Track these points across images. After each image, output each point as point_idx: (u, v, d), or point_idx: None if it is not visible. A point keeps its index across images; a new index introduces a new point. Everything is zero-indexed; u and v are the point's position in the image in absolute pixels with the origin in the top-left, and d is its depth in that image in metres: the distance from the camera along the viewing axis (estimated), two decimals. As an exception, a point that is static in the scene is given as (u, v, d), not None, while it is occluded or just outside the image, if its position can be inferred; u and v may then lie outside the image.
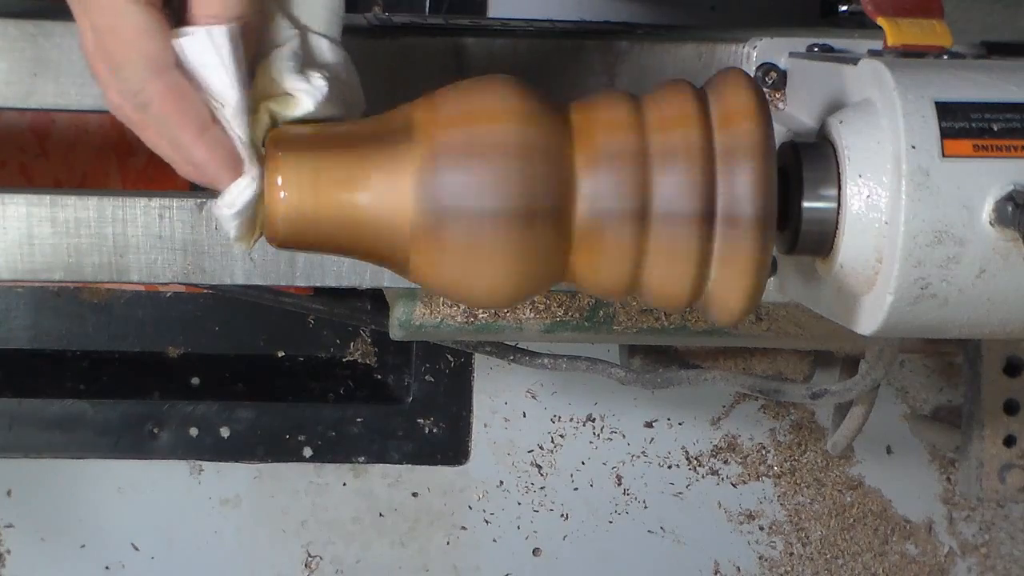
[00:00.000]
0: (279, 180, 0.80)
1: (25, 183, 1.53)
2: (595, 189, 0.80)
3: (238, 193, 0.81)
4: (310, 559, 1.74)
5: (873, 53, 0.91)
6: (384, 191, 0.80)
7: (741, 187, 0.79)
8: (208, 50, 0.78)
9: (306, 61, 0.83)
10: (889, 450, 1.81)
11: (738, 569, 1.80)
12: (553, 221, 0.80)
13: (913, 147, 0.80)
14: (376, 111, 0.84)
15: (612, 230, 0.80)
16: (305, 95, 0.82)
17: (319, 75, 0.82)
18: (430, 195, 0.80)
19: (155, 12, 0.77)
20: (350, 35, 1.03)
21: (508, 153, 0.79)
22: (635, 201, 0.80)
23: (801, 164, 0.85)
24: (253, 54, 0.81)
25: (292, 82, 0.82)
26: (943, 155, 0.80)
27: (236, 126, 0.80)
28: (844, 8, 1.26)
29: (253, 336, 1.65)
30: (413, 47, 1.04)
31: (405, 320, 1.16)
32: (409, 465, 1.66)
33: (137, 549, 1.70)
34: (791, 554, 1.80)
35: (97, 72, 0.80)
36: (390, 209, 0.80)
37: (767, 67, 1.04)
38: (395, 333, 1.17)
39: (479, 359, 1.65)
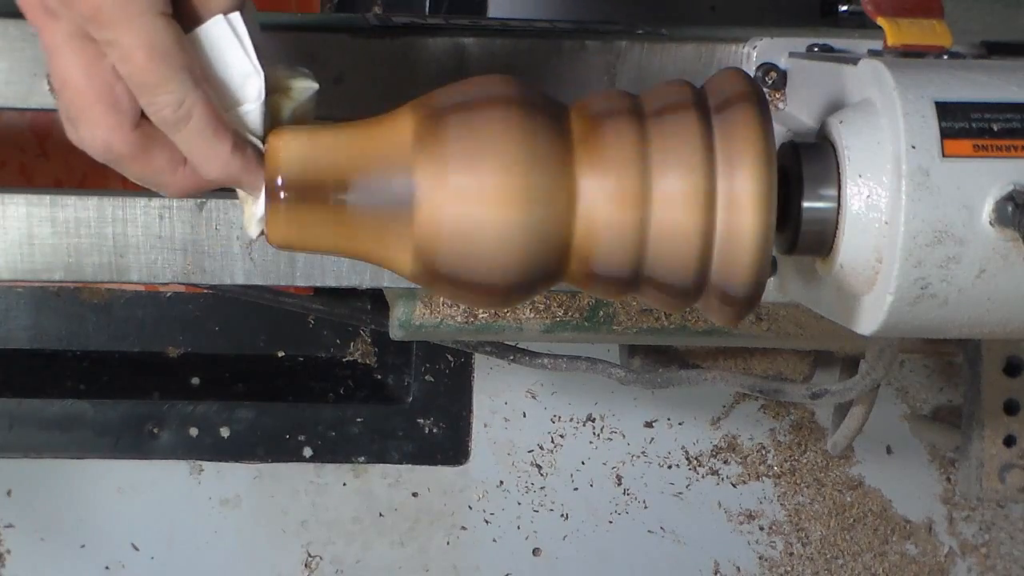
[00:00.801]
0: (279, 180, 0.80)
1: (25, 183, 1.53)
2: (595, 179, 0.80)
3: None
4: (310, 559, 1.74)
5: (873, 53, 0.91)
6: (384, 179, 0.80)
7: (740, 172, 0.80)
8: (226, 35, 0.78)
9: None
10: (889, 450, 1.81)
11: (738, 569, 1.80)
12: (552, 282, 0.82)
13: (913, 147, 0.80)
14: (376, 111, 0.83)
15: (612, 219, 0.81)
16: (301, 85, 0.82)
17: (302, 67, 0.83)
18: (429, 170, 0.80)
19: (177, 24, 0.77)
20: (350, 35, 1.04)
21: (506, 238, 0.80)
22: (630, 272, 0.82)
23: (801, 164, 0.85)
24: None
25: (284, 74, 0.82)
26: (943, 155, 0.80)
27: (252, 120, 0.80)
28: (844, 8, 1.26)
29: (253, 336, 1.65)
30: (413, 47, 1.04)
31: (405, 320, 1.16)
32: (409, 465, 1.66)
33: (137, 549, 1.70)
34: (791, 554, 1.80)
35: (89, 108, 0.78)
36: (391, 196, 0.80)
37: (767, 67, 1.04)
38: (395, 333, 1.17)
39: (479, 359, 1.65)
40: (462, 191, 0.79)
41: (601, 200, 0.80)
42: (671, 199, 0.80)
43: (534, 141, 0.80)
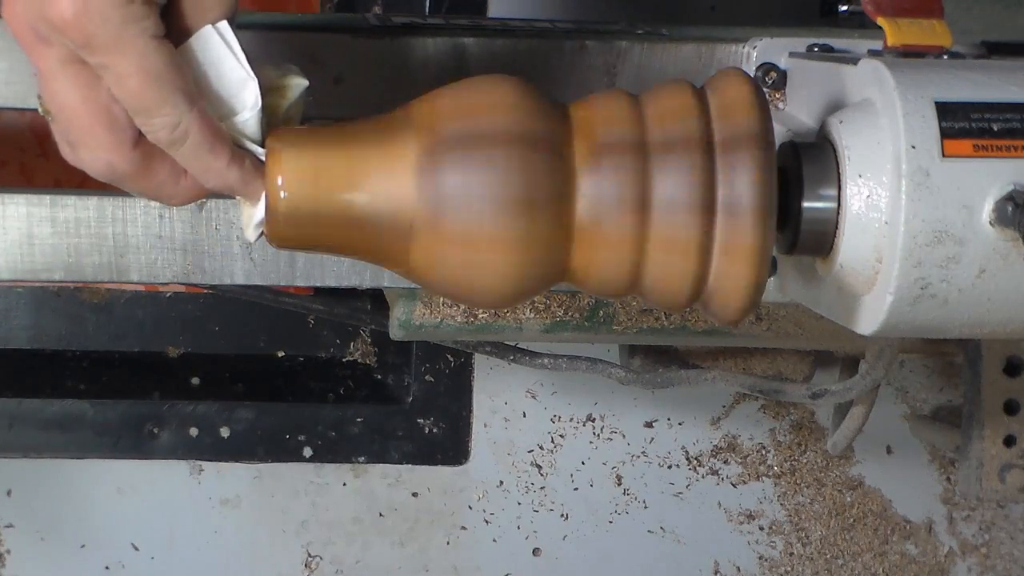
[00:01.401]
0: (279, 180, 0.80)
1: (25, 183, 1.53)
2: (596, 181, 0.80)
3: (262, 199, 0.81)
4: (310, 559, 1.74)
5: (873, 53, 0.91)
6: (384, 182, 0.80)
7: (741, 176, 0.79)
8: (217, 45, 0.78)
9: None
10: (889, 450, 1.81)
11: (738, 569, 1.80)
12: (553, 210, 0.80)
13: (913, 147, 0.80)
14: (376, 111, 0.83)
15: (612, 222, 0.80)
16: (294, 83, 0.82)
17: (289, 64, 0.83)
18: (431, 184, 0.80)
19: (170, 44, 0.76)
20: (350, 35, 1.04)
21: (510, 142, 0.79)
22: (636, 192, 0.80)
23: (801, 164, 0.85)
24: None
25: (275, 74, 0.82)
26: (943, 155, 0.80)
27: (249, 127, 0.80)
28: (844, 8, 1.26)
29: (253, 336, 1.65)
30: (413, 47, 1.04)
31: (405, 320, 1.16)
32: (409, 465, 1.66)
33: (137, 549, 1.70)
34: (791, 554, 1.80)
35: (88, 131, 0.78)
36: (391, 200, 0.80)
37: (767, 67, 1.04)
38: (395, 333, 1.17)
39: (479, 359, 1.65)
40: (458, 106, 0.80)
41: (596, 120, 0.81)
42: (664, 114, 0.81)
43: (527, 88, 0.81)
